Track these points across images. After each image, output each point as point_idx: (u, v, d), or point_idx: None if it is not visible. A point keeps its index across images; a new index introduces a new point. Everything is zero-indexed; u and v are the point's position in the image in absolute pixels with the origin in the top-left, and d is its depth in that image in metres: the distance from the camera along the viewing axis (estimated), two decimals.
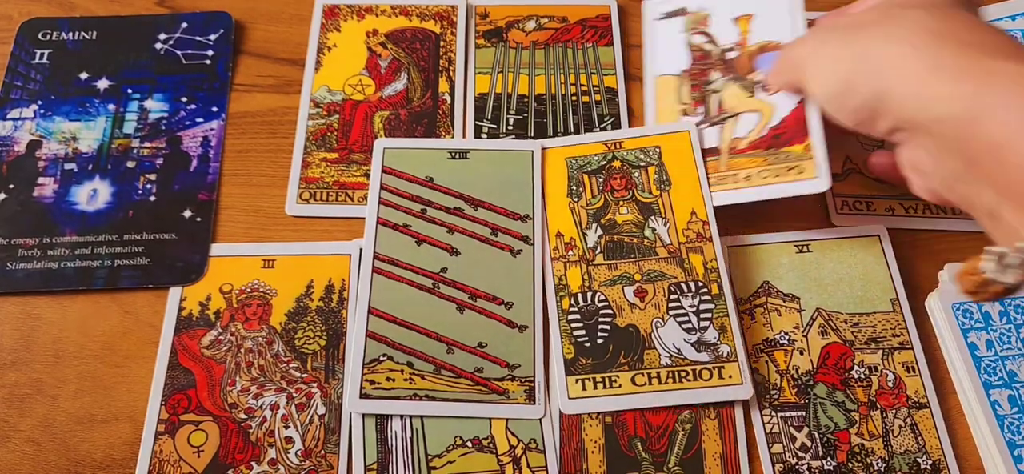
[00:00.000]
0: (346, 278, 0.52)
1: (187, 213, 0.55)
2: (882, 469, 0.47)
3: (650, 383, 0.48)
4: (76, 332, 0.51)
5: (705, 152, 0.54)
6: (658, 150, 0.56)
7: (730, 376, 0.48)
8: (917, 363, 0.50)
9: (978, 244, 0.55)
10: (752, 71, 0.54)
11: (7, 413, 0.48)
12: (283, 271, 0.53)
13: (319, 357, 0.50)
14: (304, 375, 0.49)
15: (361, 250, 0.53)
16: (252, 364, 0.50)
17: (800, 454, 0.48)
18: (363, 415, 0.48)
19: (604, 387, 0.48)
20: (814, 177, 0.49)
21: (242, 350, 0.50)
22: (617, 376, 0.49)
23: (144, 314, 0.51)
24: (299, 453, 0.47)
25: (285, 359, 0.50)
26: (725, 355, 0.49)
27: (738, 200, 0.52)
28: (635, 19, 0.65)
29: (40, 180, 0.56)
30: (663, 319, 0.50)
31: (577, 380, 0.49)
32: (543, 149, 0.57)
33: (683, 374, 0.49)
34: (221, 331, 0.51)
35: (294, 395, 0.49)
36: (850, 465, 0.47)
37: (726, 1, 0.58)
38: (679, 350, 0.49)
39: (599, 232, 0.54)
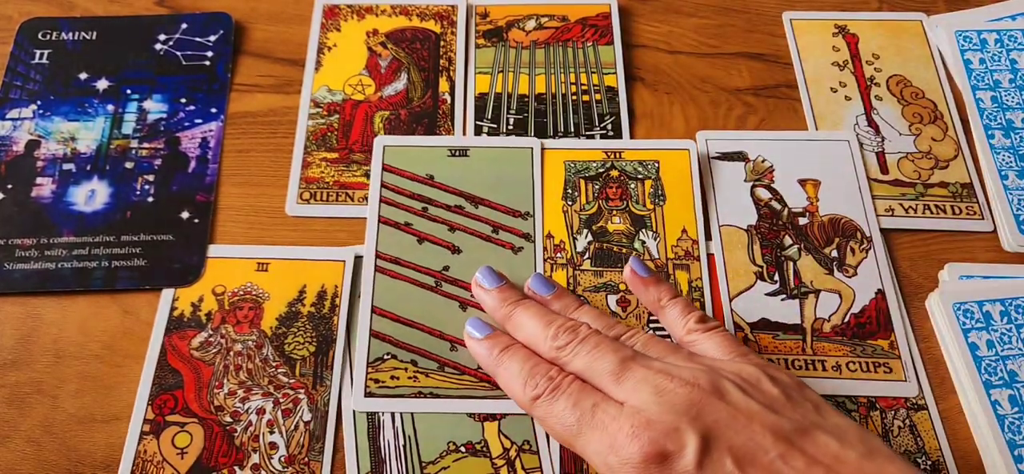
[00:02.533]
0: (339, 285, 0.52)
1: (185, 214, 0.54)
2: None
3: None
4: (76, 332, 0.50)
5: (786, 328, 0.51)
6: (657, 164, 0.56)
7: None
8: (916, 364, 0.50)
9: (976, 244, 0.55)
10: (827, 244, 0.53)
11: (7, 413, 0.48)
12: (276, 275, 0.52)
13: (308, 363, 0.49)
14: (292, 381, 0.49)
15: (355, 256, 0.53)
16: (241, 367, 0.49)
17: None
18: (355, 427, 0.47)
19: None
20: (903, 379, 0.49)
21: (231, 353, 0.49)
22: None
23: (144, 314, 0.51)
24: (282, 459, 0.46)
25: (274, 364, 0.49)
26: None
27: (828, 391, 0.49)
28: (636, 19, 0.65)
29: (38, 180, 0.55)
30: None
31: None
32: (543, 146, 0.57)
33: None
34: (211, 333, 0.50)
35: (281, 400, 0.48)
36: None
37: (790, 158, 0.57)
38: None
39: (589, 238, 0.54)
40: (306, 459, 0.46)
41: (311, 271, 0.52)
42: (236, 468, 0.46)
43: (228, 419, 0.47)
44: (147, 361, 0.49)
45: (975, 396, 0.48)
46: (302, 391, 0.48)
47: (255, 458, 0.46)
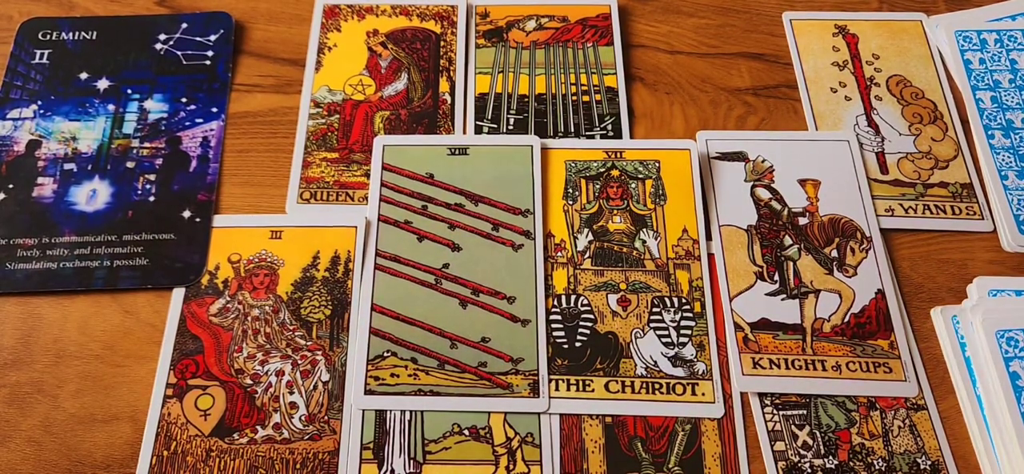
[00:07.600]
0: (351, 250, 0.53)
1: (186, 213, 0.55)
2: (883, 469, 0.47)
3: (623, 391, 0.49)
4: (77, 332, 0.51)
5: (786, 327, 0.51)
6: (657, 164, 0.56)
7: (703, 394, 0.49)
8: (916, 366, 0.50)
9: (976, 244, 0.55)
10: (827, 244, 0.53)
11: (8, 413, 0.48)
12: (290, 242, 0.53)
13: (324, 326, 0.51)
14: (309, 343, 0.50)
15: (367, 221, 0.53)
16: (259, 332, 0.50)
17: (802, 452, 0.48)
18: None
19: (577, 390, 0.49)
20: (903, 379, 0.49)
21: (249, 318, 0.51)
22: (591, 381, 0.49)
23: (145, 314, 0.51)
24: (303, 418, 0.48)
25: (291, 327, 0.51)
26: (700, 373, 0.49)
27: (828, 391, 0.49)
28: (636, 19, 0.65)
29: (39, 180, 0.56)
30: (643, 330, 0.51)
31: (550, 380, 0.49)
32: (542, 144, 0.57)
33: (657, 387, 0.49)
34: (229, 299, 0.51)
35: (299, 362, 0.49)
36: (851, 464, 0.47)
37: (790, 159, 0.57)
38: (655, 363, 0.50)
39: (590, 238, 0.54)
40: (326, 417, 0.48)
41: (323, 237, 0.53)
42: (258, 427, 0.47)
43: (248, 381, 0.49)
44: (167, 328, 0.50)
45: (1013, 428, 0.46)
46: (320, 353, 0.50)
47: (276, 418, 0.48)
